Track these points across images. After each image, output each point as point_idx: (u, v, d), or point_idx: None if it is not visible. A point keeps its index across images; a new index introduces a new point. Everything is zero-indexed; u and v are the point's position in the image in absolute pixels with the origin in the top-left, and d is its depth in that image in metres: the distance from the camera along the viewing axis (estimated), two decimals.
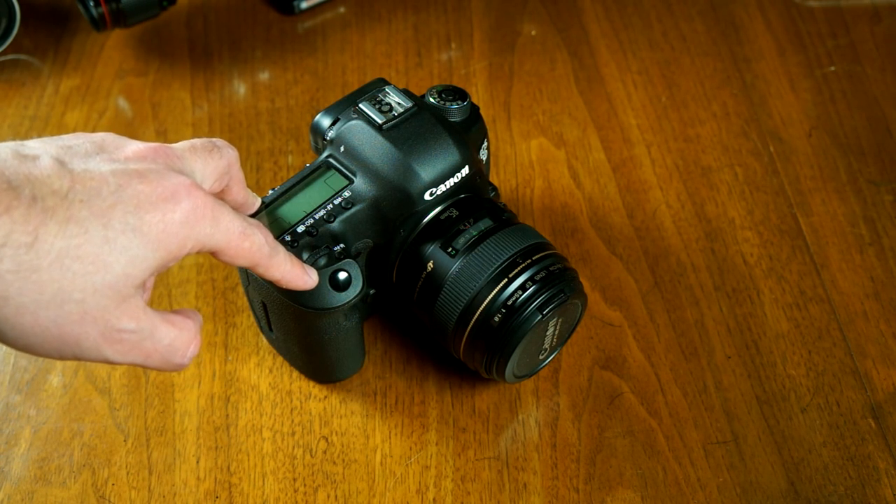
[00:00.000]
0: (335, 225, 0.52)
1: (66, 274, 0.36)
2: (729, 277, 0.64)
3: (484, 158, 0.61)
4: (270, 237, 0.45)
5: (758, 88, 0.76)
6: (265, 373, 0.60)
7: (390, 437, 0.57)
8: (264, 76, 0.77)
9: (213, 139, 0.46)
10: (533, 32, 0.79)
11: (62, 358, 0.38)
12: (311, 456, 0.57)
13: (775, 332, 0.62)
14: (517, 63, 0.77)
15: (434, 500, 0.55)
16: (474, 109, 0.59)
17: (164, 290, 0.63)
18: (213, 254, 0.42)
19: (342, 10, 0.82)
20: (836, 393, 0.59)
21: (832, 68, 0.77)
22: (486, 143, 0.60)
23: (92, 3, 0.72)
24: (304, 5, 0.80)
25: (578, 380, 0.59)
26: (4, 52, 0.78)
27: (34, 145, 0.38)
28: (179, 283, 0.64)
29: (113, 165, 0.39)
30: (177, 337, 0.41)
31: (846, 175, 0.70)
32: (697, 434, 0.57)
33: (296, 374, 0.60)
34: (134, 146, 0.41)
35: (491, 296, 0.52)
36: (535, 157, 0.71)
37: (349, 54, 0.78)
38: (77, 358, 0.38)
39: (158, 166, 0.40)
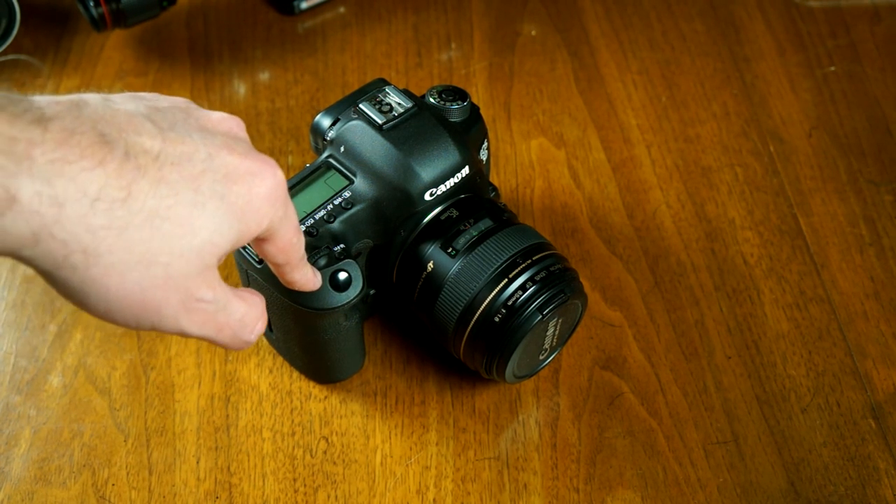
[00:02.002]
0: (335, 225, 0.52)
1: (155, 234, 0.35)
2: (729, 277, 0.64)
3: (484, 158, 0.61)
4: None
5: (758, 88, 0.76)
6: (265, 373, 0.60)
7: (390, 438, 0.57)
8: (264, 76, 0.77)
9: None
10: (533, 32, 0.79)
11: (139, 327, 0.38)
12: (311, 456, 0.57)
13: (775, 332, 0.62)
14: (517, 63, 0.77)
15: (434, 500, 0.55)
16: (474, 109, 0.59)
17: None
18: (265, 240, 0.42)
19: (342, 10, 0.81)
20: (836, 393, 0.59)
21: (832, 68, 0.77)
22: (486, 143, 0.60)
23: (92, 3, 0.72)
24: (304, 5, 0.80)
25: (578, 380, 0.59)
26: (4, 52, 0.78)
27: (122, 101, 0.38)
28: None
29: (202, 133, 0.39)
30: (247, 312, 0.41)
31: (846, 175, 0.70)
32: (697, 434, 0.57)
33: (296, 374, 0.60)
34: (217, 114, 0.41)
35: (491, 296, 0.52)
36: (535, 157, 0.71)
37: (349, 54, 0.78)
38: (154, 327, 0.38)
39: (243, 141, 0.41)
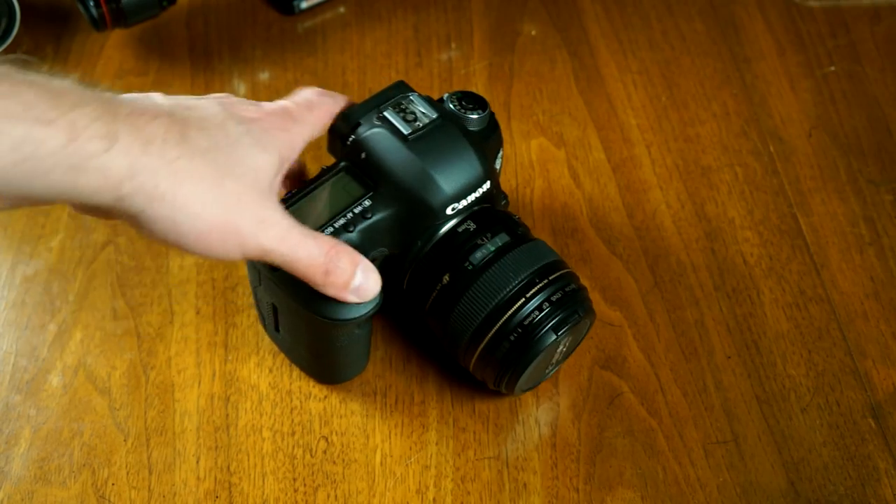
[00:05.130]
0: (354, 235, 0.51)
1: (218, 157, 0.44)
2: (729, 277, 0.64)
3: (498, 167, 0.60)
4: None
5: (758, 88, 0.76)
6: (265, 372, 0.60)
7: (390, 437, 0.57)
8: (264, 76, 0.77)
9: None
10: (533, 32, 0.79)
11: (227, 255, 0.45)
12: (311, 456, 0.57)
13: (775, 332, 0.62)
14: (517, 63, 0.77)
15: (434, 499, 0.55)
16: (492, 118, 0.58)
17: (164, 290, 0.63)
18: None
19: (342, 10, 0.81)
20: (836, 393, 0.59)
21: (832, 68, 0.77)
22: (500, 152, 0.60)
23: (92, 3, 0.72)
24: (304, 5, 0.80)
25: (578, 380, 0.59)
26: (4, 52, 0.78)
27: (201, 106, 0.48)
28: (179, 282, 0.64)
29: (231, 117, 0.48)
30: (320, 237, 0.49)
31: (846, 175, 0.70)
32: (697, 434, 0.57)
33: (296, 373, 0.60)
34: (269, 106, 0.52)
35: (507, 315, 0.52)
36: (535, 157, 0.71)
37: (349, 54, 0.78)
38: (241, 248, 0.45)
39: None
